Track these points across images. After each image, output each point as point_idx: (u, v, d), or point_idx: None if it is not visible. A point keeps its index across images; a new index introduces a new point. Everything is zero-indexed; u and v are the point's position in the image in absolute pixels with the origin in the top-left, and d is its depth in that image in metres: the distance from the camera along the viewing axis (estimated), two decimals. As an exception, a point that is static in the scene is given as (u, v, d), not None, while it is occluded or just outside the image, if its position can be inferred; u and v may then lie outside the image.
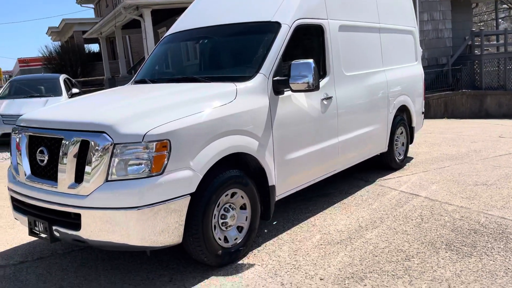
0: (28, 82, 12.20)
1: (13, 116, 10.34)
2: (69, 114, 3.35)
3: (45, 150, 3.26)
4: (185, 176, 3.11)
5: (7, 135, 10.28)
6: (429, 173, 5.93)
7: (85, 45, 33.03)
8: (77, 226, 3.06)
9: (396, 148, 6.25)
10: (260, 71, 3.86)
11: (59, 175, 3.14)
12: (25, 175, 3.44)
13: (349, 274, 3.25)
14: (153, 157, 2.98)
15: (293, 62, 3.83)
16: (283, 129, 3.95)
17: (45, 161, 3.26)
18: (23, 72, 38.39)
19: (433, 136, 9.12)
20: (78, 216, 3.04)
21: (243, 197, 3.62)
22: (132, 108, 3.30)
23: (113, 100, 3.79)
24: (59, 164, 3.14)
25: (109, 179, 2.99)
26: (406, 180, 5.66)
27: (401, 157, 6.38)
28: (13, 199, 3.64)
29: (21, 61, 48.52)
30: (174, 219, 3.09)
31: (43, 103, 10.71)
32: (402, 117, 6.29)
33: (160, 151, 2.99)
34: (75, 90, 12.05)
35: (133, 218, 2.94)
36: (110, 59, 26.72)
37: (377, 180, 5.77)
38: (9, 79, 17.01)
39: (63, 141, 3.12)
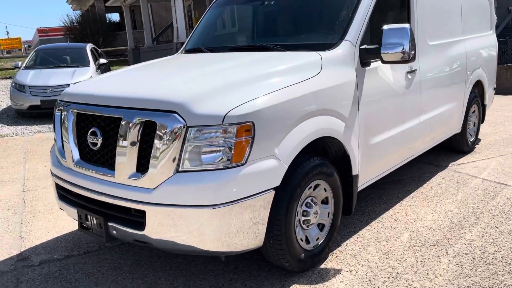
0: (55, 51, 11.67)
1: (40, 88, 9.88)
2: (127, 89, 2.76)
3: (98, 132, 2.71)
4: (270, 166, 2.53)
5: (35, 107, 9.87)
6: (509, 158, 5.25)
7: (106, 14, 32.41)
8: (140, 225, 2.53)
9: (468, 128, 5.57)
10: (345, 38, 3.22)
11: (117, 162, 2.60)
12: (73, 159, 2.91)
13: None
14: (234, 143, 2.40)
15: (385, 27, 3.17)
16: (369, 108, 3.33)
17: (99, 145, 2.72)
18: (42, 42, 38.08)
19: (491, 114, 8.35)
20: (141, 213, 2.51)
21: (326, 189, 3.04)
22: (203, 82, 2.70)
23: (174, 72, 3.18)
24: (117, 149, 2.59)
25: (180, 169, 2.43)
26: (484, 166, 5.00)
27: (472, 139, 5.71)
28: (58, 187, 3.13)
29: (40, 30, 48.24)
30: (256, 219, 2.53)
31: (70, 74, 10.21)
32: (476, 93, 5.58)
33: (243, 136, 2.41)
34: (102, 61, 11.50)
35: (209, 219, 2.39)
36: (132, 29, 26.05)
37: (449, 165, 5.13)
38: (28, 49, 16.53)
39: (122, 122, 2.56)
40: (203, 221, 2.41)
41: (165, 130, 2.41)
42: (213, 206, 2.38)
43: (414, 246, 3.23)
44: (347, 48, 3.19)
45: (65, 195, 3.07)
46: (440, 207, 3.92)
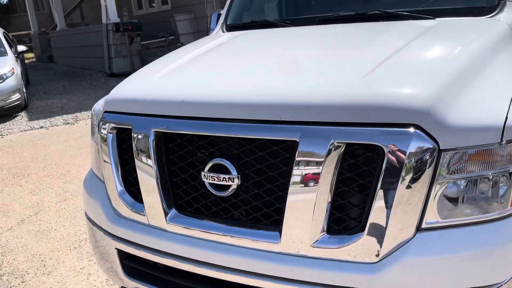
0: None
1: None
2: (285, 88, 1.57)
3: (231, 166, 1.54)
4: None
5: None
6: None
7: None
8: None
9: None
10: (511, -2, 2.33)
11: (288, 218, 1.46)
12: (165, 212, 1.70)
13: None
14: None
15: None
16: None
17: (233, 187, 1.55)
18: None
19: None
20: (353, 308, 1.43)
21: None
22: (415, 72, 1.60)
23: (325, 57, 1.93)
24: (288, 196, 1.45)
25: (423, 225, 1.39)
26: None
27: None
28: (124, 256, 1.88)
29: None
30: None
31: (-15, 66, 8.14)
32: None
33: (524, 160, 1.43)
34: (21, 48, 9.49)
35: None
36: (35, 10, 22.65)
37: None
38: None
39: (299, 148, 1.42)
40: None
41: (398, 159, 1.34)
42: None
43: None
44: (515, 12, 2.30)
45: (144, 270, 1.85)
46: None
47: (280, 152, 1.50)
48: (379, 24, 2.32)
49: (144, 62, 11.33)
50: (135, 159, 1.73)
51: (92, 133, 2.14)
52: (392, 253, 1.38)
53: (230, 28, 3.01)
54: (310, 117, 1.43)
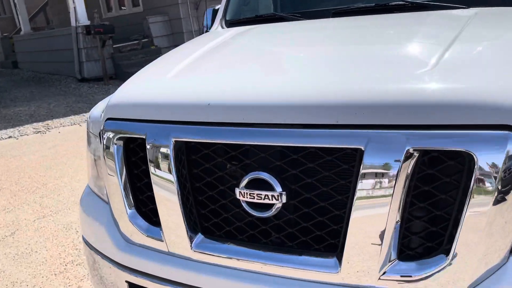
0: None
1: None
2: (342, 87, 1.30)
3: (275, 181, 1.27)
4: None
5: None
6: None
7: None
8: None
9: None
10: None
11: (350, 241, 1.20)
12: (190, 238, 1.41)
13: None
14: None
15: None
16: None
17: (276, 206, 1.28)
18: None
19: None
20: None
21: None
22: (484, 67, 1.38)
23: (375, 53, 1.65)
24: (352, 213, 1.18)
25: (517, 248, 1.16)
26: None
27: None
28: (135, 290, 1.58)
29: None
30: None
31: None
32: None
33: None
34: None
35: None
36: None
37: None
38: None
39: (364, 159, 1.16)
40: None
41: (491, 168, 1.10)
42: None
43: None
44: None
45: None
46: None
47: (336, 162, 1.24)
48: (408, 15, 2.09)
49: (117, 66, 10.89)
50: (151, 175, 1.44)
51: (89, 143, 1.83)
52: (483, 281, 1.14)
53: (231, 24, 2.75)
54: (377, 119, 1.17)
